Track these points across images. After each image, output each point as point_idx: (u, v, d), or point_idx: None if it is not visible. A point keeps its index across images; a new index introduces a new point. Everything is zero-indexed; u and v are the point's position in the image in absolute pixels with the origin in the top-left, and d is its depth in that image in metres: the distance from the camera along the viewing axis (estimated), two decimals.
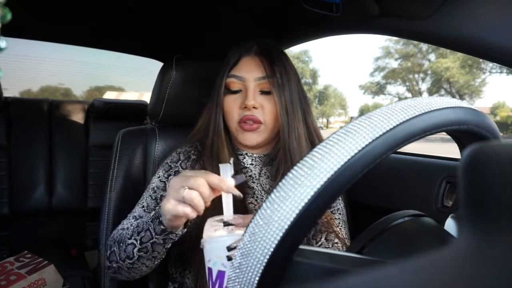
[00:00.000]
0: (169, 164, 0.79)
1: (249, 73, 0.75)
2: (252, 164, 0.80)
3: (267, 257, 0.27)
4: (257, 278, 0.27)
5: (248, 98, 0.73)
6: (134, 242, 0.63)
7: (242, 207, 0.72)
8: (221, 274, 0.50)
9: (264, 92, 0.75)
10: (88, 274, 1.45)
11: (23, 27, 1.27)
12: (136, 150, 0.93)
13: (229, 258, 0.49)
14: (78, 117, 1.82)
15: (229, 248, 0.49)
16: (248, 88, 0.74)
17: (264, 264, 0.27)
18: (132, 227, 0.66)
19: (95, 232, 0.92)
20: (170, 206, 0.55)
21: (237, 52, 0.78)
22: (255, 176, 0.80)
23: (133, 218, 0.73)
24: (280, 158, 0.76)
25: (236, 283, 0.29)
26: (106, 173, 0.92)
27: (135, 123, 1.22)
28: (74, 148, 1.77)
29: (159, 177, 0.78)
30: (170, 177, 0.76)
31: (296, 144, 0.74)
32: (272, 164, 0.80)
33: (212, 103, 0.79)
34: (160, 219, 0.59)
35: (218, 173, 0.56)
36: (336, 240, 0.74)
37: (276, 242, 0.27)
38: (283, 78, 0.74)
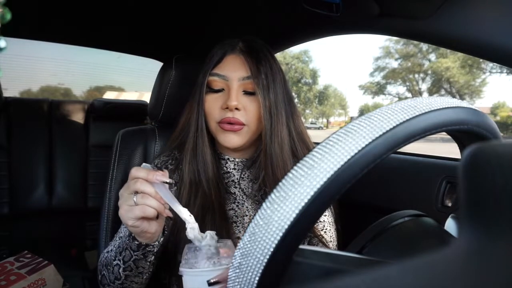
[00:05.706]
0: None
1: (232, 72, 0.71)
2: (234, 169, 0.78)
3: (267, 257, 0.27)
4: (257, 278, 0.27)
5: (230, 99, 0.69)
6: (118, 262, 0.62)
7: (221, 213, 0.71)
8: None
9: (247, 93, 0.72)
10: (88, 274, 1.46)
11: (23, 27, 1.27)
12: (136, 150, 0.93)
13: None
14: (78, 117, 1.82)
15: (210, 283, 0.48)
16: (231, 88, 0.70)
17: (264, 264, 0.27)
18: (115, 248, 0.64)
19: (95, 232, 0.92)
20: (125, 213, 0.53)
21: (221, 49, 0.74)
22: (237, 181, 0.77)
23: (118, 239, 0.70)
24: (261, 163, 0.73)
25: (236, 283, 0.28)
26: (106, 173, 0.92)
27: (135, 123, 1.22)
28: (74, 148, 1.77)
29: None
30: None
31: (278, 149, 0.71)
32: (254, 167, 0.77)
33: (194, 102, 0.75)
34: (133, 235, 0.58)
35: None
36: (320, 245, 0.72)
37: (276, 242, 0.27)
38: (268, 78, 0.70)
